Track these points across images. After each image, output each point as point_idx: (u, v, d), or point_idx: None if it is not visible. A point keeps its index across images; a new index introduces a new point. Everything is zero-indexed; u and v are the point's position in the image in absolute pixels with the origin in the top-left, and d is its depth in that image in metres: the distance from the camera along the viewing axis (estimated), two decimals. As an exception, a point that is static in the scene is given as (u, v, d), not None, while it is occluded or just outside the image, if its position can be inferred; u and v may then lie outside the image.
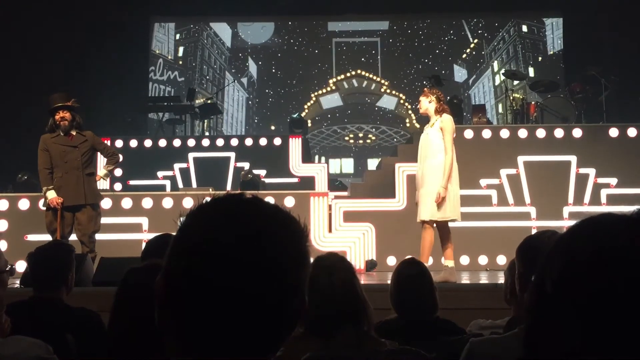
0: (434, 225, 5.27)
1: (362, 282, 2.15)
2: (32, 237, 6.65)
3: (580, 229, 0.72)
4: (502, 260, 6.87)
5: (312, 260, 0.94)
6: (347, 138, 13.16)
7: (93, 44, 10.63)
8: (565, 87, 9.78)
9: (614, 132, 7.64)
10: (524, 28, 13.09)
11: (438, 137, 5.25)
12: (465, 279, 5.93)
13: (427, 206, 5.18)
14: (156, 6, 11.96)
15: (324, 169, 9.13)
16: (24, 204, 7.00)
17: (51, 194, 5.57)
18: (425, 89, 5.68)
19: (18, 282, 4.76)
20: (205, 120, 10.62)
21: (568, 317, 0.67)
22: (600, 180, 7.42)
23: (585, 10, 11.14)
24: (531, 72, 12.67)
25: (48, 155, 5.64)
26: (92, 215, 5.70)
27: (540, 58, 12.99)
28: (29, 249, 2.97)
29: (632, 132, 7.63)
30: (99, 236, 6.28)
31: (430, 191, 5.18)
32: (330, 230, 7.10)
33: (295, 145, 9.00)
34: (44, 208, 5.77)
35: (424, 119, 12.41)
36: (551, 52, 12.89)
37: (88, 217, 5.66)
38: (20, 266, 5.26)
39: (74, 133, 5.71)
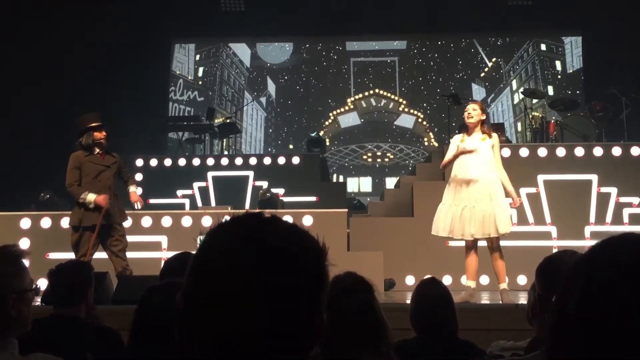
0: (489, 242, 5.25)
1: (380, 301, 2.14)
2: (53, 255, 6.72)
3: (600, 249, 0.72)
4: (522, 280, 6.78)
5: (330, 279, 0.94)
6: (365, 157, 13.16)
7: (115, 64, 10.81)
8: (585, 106, 9.71)
9: (635, 151, 7.54)
10: (543, 46, 13.05)
11: (490, 153, 5.27)
12: (485, 299, 5.86)
13: (501, 220, 5.12)
14: (177, 28, 12.15)
15: (343, 187, 9.12)
16: (46, 223, 7.09)
17: (93, 196, 5.55)
18: (478, 101, 5.72)
19: (39, 300, 4.80)
20: (225, 140, 10.70)
21: (590, 337, 0.66)
22: (623, 199, 7.31)
23: (605, 28, 11.08)
24: (550, 90, 12.60)
25: (79, 173, 5.66)
26: (124, 233, 5.84)
27: (559, 76, 12.92)
28: (51, 267, 3.00)
29: (654, 150, 7.54)
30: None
31: (497, 205, 5.15)
32: (348, 249, 7.07)
33: (313, 164, 9.02)
34: (71, 225, 5.70)
35: (442, 138, 12.32)
36: (570, 71, 12.82)
37: (120, 234, 5.74)
38: (42, 284, 5.32)
39: (103, 153, 5.78)
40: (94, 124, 5.74)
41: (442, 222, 5.30)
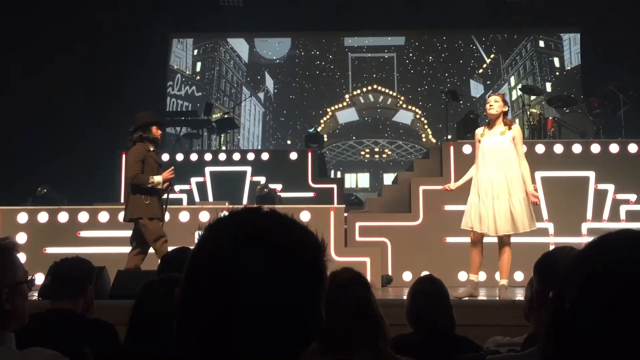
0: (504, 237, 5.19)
1: (378, 297, 2.14)
2: (50, 250, 6.73)
3: (597, 245, 0.72)
4: (519, 276, 6.80)
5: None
6: (363, 153, 13.16)
7: (112, 59, 10.78)
8: (583, 103, 9.72)
9: (633, 148, 7.56)
10: (541, 43, 13.04)
11: (511, 147, 5.23)
12: (482, 295, 5.87)
13: (522, 217, 5.10)
14: (175, 22, 12.12)
15: (340, 183, 9.13)
16: (43, 217, 7.08)
17: (159, 177, 5.59)
18: (500, 93, 5.63)
19: (37, 294, 4.80)
20: (222, 135, 10.69)
21: (587, 333, 0.66)
22: (620, 196, 7.33)
23: (603, 25, 11.09)
24: (548, 87, 12.60)
25: (142, 166, 5.64)
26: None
27: (557, 73, 12.92)
28: (48, 262, 3.01)
29: (651, 147, 7.55)
30: (115, 249, 6.34)
31: (517, 200, 5.11)
32: (346, 245, 7.08)
33: (311, 160, 9.02)
34: (144, 216, 5.61)
35: (440, 133, 12.35)
36: (569, 68, 12.82)
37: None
38: (39, 278, 5.32)
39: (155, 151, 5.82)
40: (155, 120, 5.79)
41: (471, 217, 5.27)
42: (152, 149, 5.70)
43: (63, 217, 7.09)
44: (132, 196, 5.64)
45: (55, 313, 2.70)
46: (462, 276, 7.08)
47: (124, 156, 7.93)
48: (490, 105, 5.35)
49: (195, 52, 13.40)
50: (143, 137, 5.66)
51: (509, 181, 5.15)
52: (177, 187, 8.93)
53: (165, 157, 9.22)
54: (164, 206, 5.79)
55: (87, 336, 2.52)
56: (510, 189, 5.13)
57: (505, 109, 5.35)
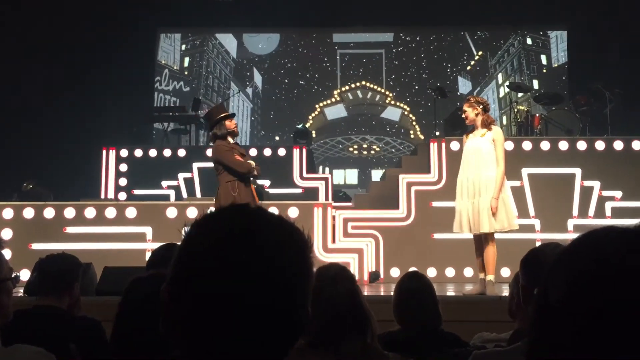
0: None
1: (366, 293, 2.15)
2: (36, 246, 6.68)
3: (581, 242, 0.73)
4: (506, 272, 6.85)
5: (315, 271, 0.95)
6: (351, 149, 13.17)
7: (99, 54, 10.70)
8: (569, 100, 9.79)
9: (618, 145, 7.62)
10: (529, 40, 13.12)
11: (491, 148, 5.29)
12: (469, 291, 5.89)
13: (498, 217, 5.16)
14: (163, 17, 12.04)
15: (328, 179, 9.13)
16: (28, 213, 7.02)
17: (252, 162, 5.69)
18: (470, 98, 5.60)
19: (22, 290, 4.77)
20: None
21: (571, 329, 0.67)
22: (605, 193, 7.40)
23: (590, 23, 11.17)
24: (535, 84, 12.68)
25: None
26: None
27: (544, 70, 13.00)
28: (34, 258, 2.99)
29: (636, 145, 7.62)
30: (102, 245, 6.28)
31: (486, 202, 5.19)
32: (333, 242, 7.09)
33: (299, 156, 9.01)
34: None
35: (428, 130, 12.39)
36: (555, 65, 12.90)
37: None
38: (25, 275, 5.27)
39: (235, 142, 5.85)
40: (223, 114, 5.80)
41: (458, 220, 5.39)
42: (231, 141, 5.78)
43: (49, 212, 7.03)
44: (221, 189, 5.69)
45: (40, 310, 2.68)
46: (450, 272, 7.12)
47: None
48: (464, 115, 5.49)
49: (183, 47, 13.33)
50: (218, 135, 5.74)
51: (488, 181, 5.22)
52: (164, 183, 8.90)
53: (152, 152, 9.18)
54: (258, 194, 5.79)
55: (72, 333, 2.50)
56: (488, 188, 5.20)
57: (477, 110, 5.38)
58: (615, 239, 0.71)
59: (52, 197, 8.13)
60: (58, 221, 6.98)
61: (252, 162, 5.73)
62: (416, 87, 13.03)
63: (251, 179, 5.88)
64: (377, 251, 7.17)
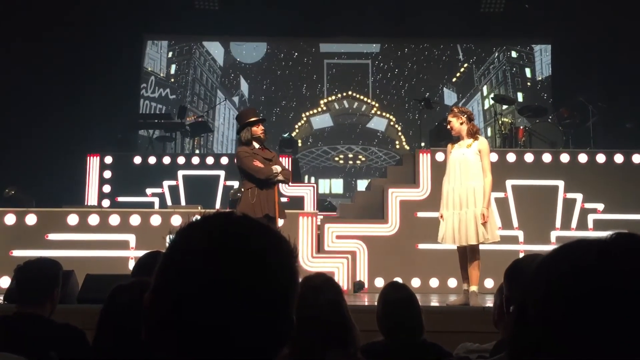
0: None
1: (350, 303, 2.15)
2: (17, 253, 6.59)
3: (556, 254, 0.74)
4: (489, 283, 6.88)
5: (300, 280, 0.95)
6: (337, 159, 13.20)
7: (85, 60, 10.64)
8: (553, 113, 9.90)
9: (600, 158, 7.72)
10: (513, 53, 13.26)
11: (477, 159, 5.29)
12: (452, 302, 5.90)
13: (480, 228, 5.15)
14: (149, 24, 12.02)
15: (313, 189, 9.14)
16: (10, 219, 6.94)
17: (277, 167, 5.59)
18: (454, 108, 5.57)
19: (1, 297, 4.70)
20: (196, 138, 10.62)
21: (549, 339, 0.68)
22: (588, 205, 7.47)
23: (574, 37, 11.32)
24: (520, 97, 12.81)
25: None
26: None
27: (528, 84, 13.15)
28: (14, 265, 2.94)
29: (618, 158, 7.71)
30: (84, 252, 6.21)
31: (477, 214, 5.18)
32: (318, 251, 7.09)
33: (285, 165, 9.00)
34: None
35: (413, 140, 12.42)
36: (539, 78, 13.06)
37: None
38: (5, 282, 5.20)
39: (262, 147, 5.78)
40: (251, 119, 5.75)
41: (442, 231, 5.37)
42: (257, 146, 5.72)
43: (31, 219, 6.96)
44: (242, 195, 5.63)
45: (21, 317, 2.65)
46: (434, 282, 7.13)
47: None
48: (450, 126, 5.50)
49: (170, 54, 13.30)
50: (242, 140, 5.73)
51: (474, 192, 5.22)
52: (148, 191, 8.85)
53: (137, 160, 9.13)
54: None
55: (54, 341, 2.47)
56: (476, 199, 5.20)
57: (462, 120, 5.38)
58: (585, 249, 0.72)
59: (34, 204, 8.04)
60: (40, 228, 6.91)
61: (277, 167, 5.62)
62: (402, 98, 13.11)
63: (280, 183, 5.77)
64: (362, 261, 7.17)
